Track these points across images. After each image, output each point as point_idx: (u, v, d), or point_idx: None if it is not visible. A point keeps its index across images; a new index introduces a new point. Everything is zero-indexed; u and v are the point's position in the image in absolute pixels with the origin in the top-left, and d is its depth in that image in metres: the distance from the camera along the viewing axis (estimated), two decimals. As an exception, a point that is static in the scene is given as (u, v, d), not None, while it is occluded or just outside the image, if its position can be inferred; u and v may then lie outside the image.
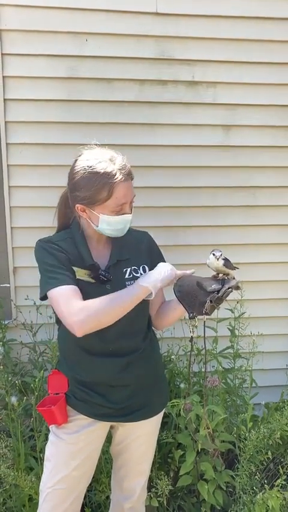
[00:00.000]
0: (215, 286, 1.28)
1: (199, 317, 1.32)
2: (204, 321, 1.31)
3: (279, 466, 1.98)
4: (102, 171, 1.25)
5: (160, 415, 1.51)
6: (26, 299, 2.30)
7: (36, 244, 1.36)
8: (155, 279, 1.30)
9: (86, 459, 1.41)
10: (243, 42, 2.40)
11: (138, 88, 2.36)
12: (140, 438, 1.47)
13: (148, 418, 1.44)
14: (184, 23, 2.33)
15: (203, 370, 2.26)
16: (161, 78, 2.37)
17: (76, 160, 1.31)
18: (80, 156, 1.32)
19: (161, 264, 1.36)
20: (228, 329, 2.25)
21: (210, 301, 1.25)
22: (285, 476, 1.92)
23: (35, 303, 2.23)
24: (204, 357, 1.56)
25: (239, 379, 2.29)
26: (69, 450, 1.39)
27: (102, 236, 1.38)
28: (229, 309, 2.21)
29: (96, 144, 1.36)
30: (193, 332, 1.36)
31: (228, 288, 1.26)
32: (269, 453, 2.01)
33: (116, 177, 1.25)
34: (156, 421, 1.49)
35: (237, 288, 1.33)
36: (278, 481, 1.86)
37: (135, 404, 1.41)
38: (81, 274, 1.32)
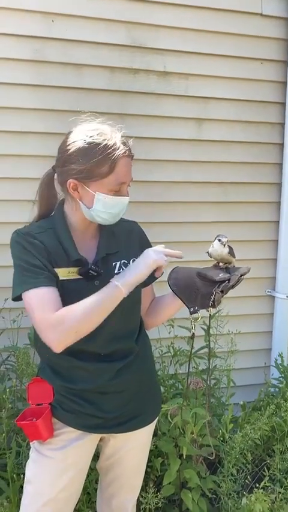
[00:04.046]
0: (222, 275, 1.18)
1: (200, 311, 1.21)
2: (210, 314, 1.21)
3: (265, 467, 1.92)
4: (105, 141, 1.11)
5: (154, 424, 1.37)
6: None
7: (13, 236, 1.18)
8: (127, 276, 1.13)
9: (73, 478, 1.24)
10: (214, 35, 2.34)
11: (108, 76, 2.23)
12: (133, 450, 1.33)
13: (143, 427, 1.31)
14: (156, 10, 2.24)
15: (179, 371, 2.18)
16: (133, 67, 2.25)
17: (71, 131, 1.16)
18: (76, 127, 1.17)
19: (141, 256, 1.17)
20: (203, 329, 2.16)
21: (221, 291, 1.15)
22: (267, 478, 1.88)
23: (-3, 306, 2.01)
24: (208, 356, 1.45)
25: (214, 379, 2.22)
26: (55, 469, 1.22)
27: (89, 226, 1.23)
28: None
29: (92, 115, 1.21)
30: (194, 328, 1.24)
31: (241, 276, 1.16)
32: (249, 454, 1.95)
33: (120, 149, 1.11)
34: (150, 430, 1.36)
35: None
36: (262, 483, 1.80)
37: (129, 412, 1.26)
38: (64, 274, 1.16)
